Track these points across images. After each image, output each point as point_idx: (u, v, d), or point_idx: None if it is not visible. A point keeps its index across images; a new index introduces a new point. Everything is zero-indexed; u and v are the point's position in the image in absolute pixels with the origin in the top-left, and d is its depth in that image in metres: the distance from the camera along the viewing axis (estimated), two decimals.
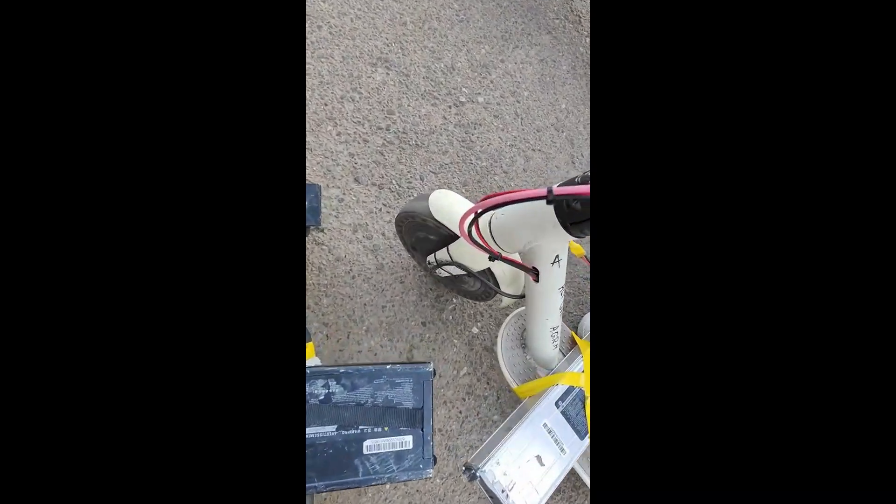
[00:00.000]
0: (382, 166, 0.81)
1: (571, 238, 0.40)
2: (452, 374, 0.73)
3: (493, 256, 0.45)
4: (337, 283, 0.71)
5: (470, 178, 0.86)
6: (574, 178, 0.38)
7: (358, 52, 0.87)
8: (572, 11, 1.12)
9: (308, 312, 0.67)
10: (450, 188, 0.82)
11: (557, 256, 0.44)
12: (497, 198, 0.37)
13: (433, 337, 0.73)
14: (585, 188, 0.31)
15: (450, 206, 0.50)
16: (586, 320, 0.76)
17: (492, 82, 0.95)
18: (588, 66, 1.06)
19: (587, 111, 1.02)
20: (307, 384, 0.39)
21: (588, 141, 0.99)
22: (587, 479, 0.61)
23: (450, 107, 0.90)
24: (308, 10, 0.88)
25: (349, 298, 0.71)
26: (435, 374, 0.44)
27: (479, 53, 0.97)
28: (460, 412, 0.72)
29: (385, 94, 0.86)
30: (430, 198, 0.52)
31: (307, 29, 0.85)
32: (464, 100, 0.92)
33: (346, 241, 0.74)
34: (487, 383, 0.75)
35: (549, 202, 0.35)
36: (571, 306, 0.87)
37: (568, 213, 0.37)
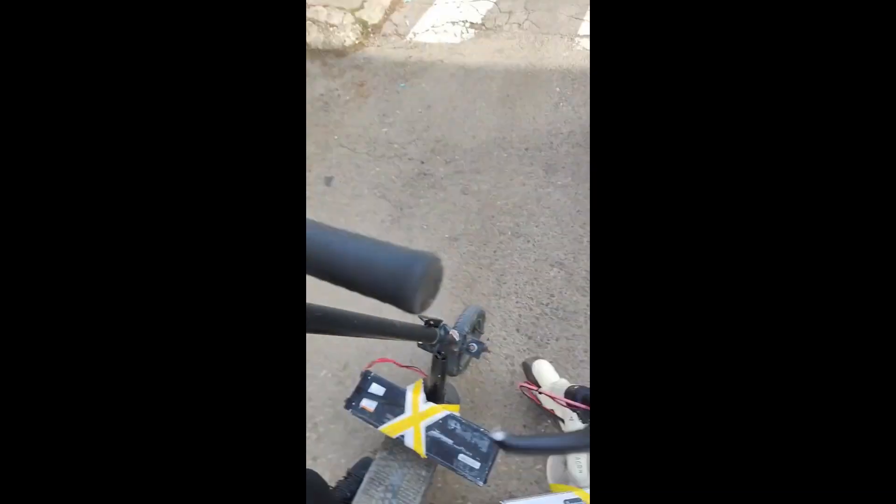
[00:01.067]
0: (535, 326, 1.36)
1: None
2: (529, 464, 1.13)
3: (544, 407, 0.91)
4: (485, 380, 1.27)
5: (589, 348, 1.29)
6: (579, 389, 0.82)
7: (544, 256, 1.49)
8: None
9: (470, 392, 1.25)
10: (571, 354, 1.27)
11: (572, 418, 0.86)
12: (527, 385, 0.86)
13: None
14: (552, 394, 0.77)
15: (541, 373, 1.00)
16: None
17: None
18: None
19: None
20: (454, 422, 0.96)
21: None
22: None
23: None
24: (522, 230, 1.58)
25: (489, 392, 1.25)
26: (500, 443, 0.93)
27: None
28: (525, 484, 1.10)
29: (553, 284, 1.43)
30: (535, 363, 1.03)
31: (524, 242, 1.54)
32: None
33: (499, 362, 1.30)
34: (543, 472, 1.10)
35: (541, 393, 0.82)
36: None
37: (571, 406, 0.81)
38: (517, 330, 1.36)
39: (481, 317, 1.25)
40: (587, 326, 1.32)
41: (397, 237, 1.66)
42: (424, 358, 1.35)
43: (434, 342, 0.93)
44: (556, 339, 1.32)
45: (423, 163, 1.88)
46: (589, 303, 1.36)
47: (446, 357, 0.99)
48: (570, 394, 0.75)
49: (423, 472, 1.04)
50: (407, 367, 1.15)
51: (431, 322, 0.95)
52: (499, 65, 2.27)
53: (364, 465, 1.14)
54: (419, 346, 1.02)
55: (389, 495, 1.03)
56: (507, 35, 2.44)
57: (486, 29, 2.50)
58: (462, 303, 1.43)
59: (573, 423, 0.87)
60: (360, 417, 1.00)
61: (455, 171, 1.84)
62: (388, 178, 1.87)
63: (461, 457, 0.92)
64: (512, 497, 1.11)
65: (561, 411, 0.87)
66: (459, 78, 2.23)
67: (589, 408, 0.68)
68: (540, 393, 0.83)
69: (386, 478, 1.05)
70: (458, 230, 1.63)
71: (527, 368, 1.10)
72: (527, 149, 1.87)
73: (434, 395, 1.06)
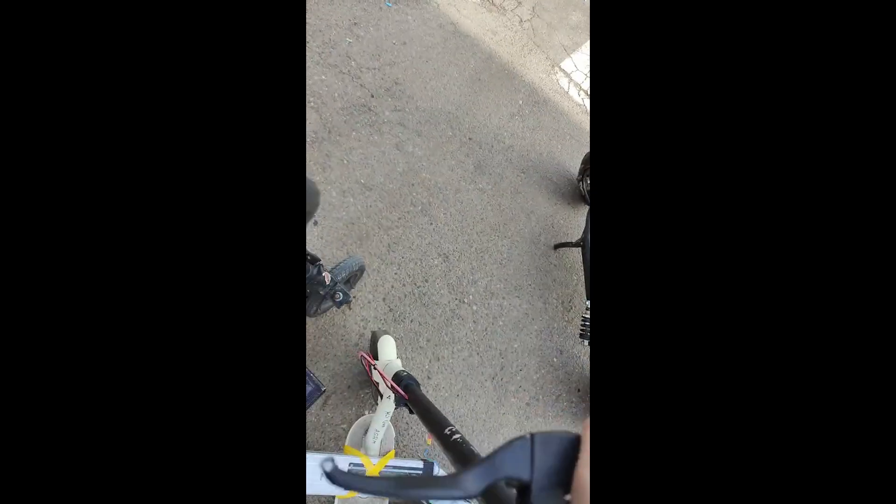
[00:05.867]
0: (400, 302, 1.45)
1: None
2: (336, 421, 1.24)
3: (367, 369, 1.02)
4: (334, 332, 1.33)
5: (432, 340, 1.44)
6: (406, 375, 0.93)
7: (437, 244, 1.59)
8: (570, 302, 1.70)
9: (316, 337, 1.29)
10: (415, 338, 1.40)
11: (389, 396, 0.98)
12: (369, 359, 0.96)
13: (345, 397, 1.27)
14: (385, 376, 0.88)
15: (383, 348, 1.09)
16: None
17: (488, 304, 1.56)
18: (550, 337, 1.60)
19: (528, 360, 1.53)
20: None
21: (512, 378, 1.49)
22: None
23: (455, 299, 1.53)
24: (431, 212, 1.64)
25: (333, 345, 1.31)
26: (323, 391, 1.00)
27: (495, 286, 1.60)
28: (326, 438, 1.22)
29: (432, 272, 1.54)
30: (382, 337, 1.12)
31: (427, 222, 1.60)
32: (466, 302, 1.54)
33: (354, 321, 1.37)
34: (347, 440, 1.24)
35: (374, 368, 0.92)
36: (421, 444, 1.32)
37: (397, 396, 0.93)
38: (383, 299, 1.44)
39: (360, 271, 1.27)
40: (439, 319, 1.47)
41: (311, 158, 1.55)
42: None
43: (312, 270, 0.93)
44: (411, 321, 1.44)
45: (372, 97, 1.76)
46: (449, 302, 1.51)
47: (308, 295, 1.00)
48: (397, 377, 0.86)
49: None
50: None
51: (315, 258, 0.94)
52: (486, 45, 2.22)
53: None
54: None
55: None
56: (507, 23, 2.39)
57: (493, 4, 2.40)
58: (347, 253, 1.43)
59: (389, 401, 0.99)
60: None
61: (399, 123, 1.78)
62: (331, 92, 1.70)
63: None
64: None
65: (383, 388, 0.98)
66: (446, 33, 2.12)
67: (406, 396, 0.79)
68: (374, 367, 0.92)
69: None
70: (376, 181, 1.61)
71: (374, 338, 1.19)
72: (470, 139, 1.91)
73: None
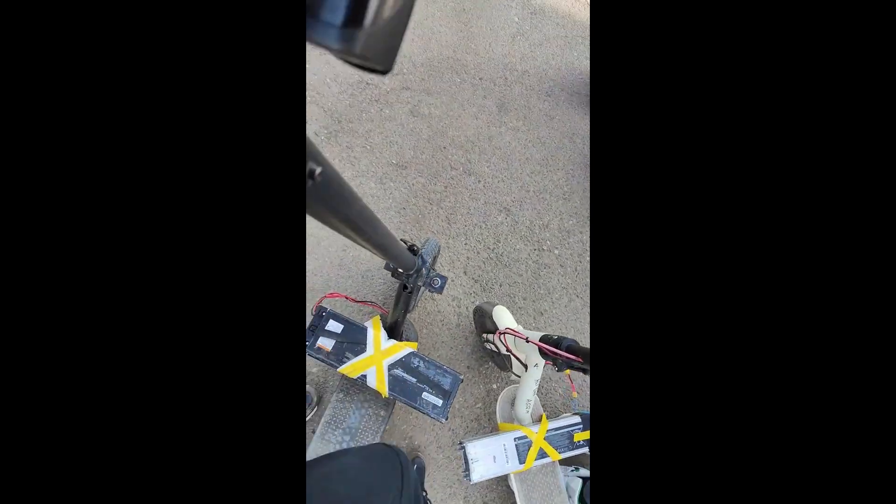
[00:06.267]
0: (481, 270, 1.37)
1: (542, 359, 0.88)
2: (471, 401, 1.21)
3: (507, 349, 0.95)
4: (432, 321, 1.26)
5: (528, 297, 1.37)
6: (560, 339, 0.86)
7: (494, 202, 1.47)
8: None
9: (418, 331, 1.22)
10: (511, 300, 1.33)
11: (536, 364, 0.92)
12: (518, 335, 0.88)
13: (470, 377, 1.23)
14: (545, 346, 0.80)
15: (501, 318, 1.02)
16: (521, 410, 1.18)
17: (568, 244, 1.47)
18: None
19: None
20: (417, 359, 0.93)
21: None
22: (514, 487, 1.02)
23: (535, 249, 1.43)
24: (474, 168, 1.52)
25: (437, 333, 1.25)
26: (462, 380, 0.94)
27: (568, 223, 1.50)
28: (467, 421, 1.19)
29: (500, 229, 1.44)
30: (495, 309, 1.04)
31: (473, 183, 1.48)
32: (545, 248, 1.44)
33: (446, 303, 1.29)
34: (487, 417, 1.20)
35: (527, 341, 0.84)
36: (556, 400, 1.28)
37: (543, 353, 0.85)
38: (464, 272, 1.35)
39: (438, 251, 1.19)
40: (527, 274, 1.39)
41: (333, 154, 1.41)
42: (376, 293, 1.25)
43: (412, 271, 0.84)
44: (500, 285, 1.36)
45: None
46: (529, 255, 1.42)
47: (412, 291, 0.93)
48: (554, 343, 0.78)
49: (382, 412, 1.01)
50: (362, 302, 1.05)
51: (414, 247, 0.85)
52: None
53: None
54: (392, 274, 0.92)
55: (347, 437, 0.98)
56: None
57: None
58: (410, 238, 1.33)
59: (537, 369, 0.93)
60: (317, 358, 0.89)
61: (403, 87, 1.61)
62: (321, 79, 1.53)
63: (425, 395, 0.91)
64: (455, 438, 1.18)
65: (531, 357, 0.91)
66: None
67: (580, 359, 0.72)
68: (527, 340, 0.85)
69: (343, 419, 0.99)
70: (407, 157, 1.47)
71: (481, 313, 1.12)
72: (481, 79, 1.73)
73: (394, 331, 1.00)
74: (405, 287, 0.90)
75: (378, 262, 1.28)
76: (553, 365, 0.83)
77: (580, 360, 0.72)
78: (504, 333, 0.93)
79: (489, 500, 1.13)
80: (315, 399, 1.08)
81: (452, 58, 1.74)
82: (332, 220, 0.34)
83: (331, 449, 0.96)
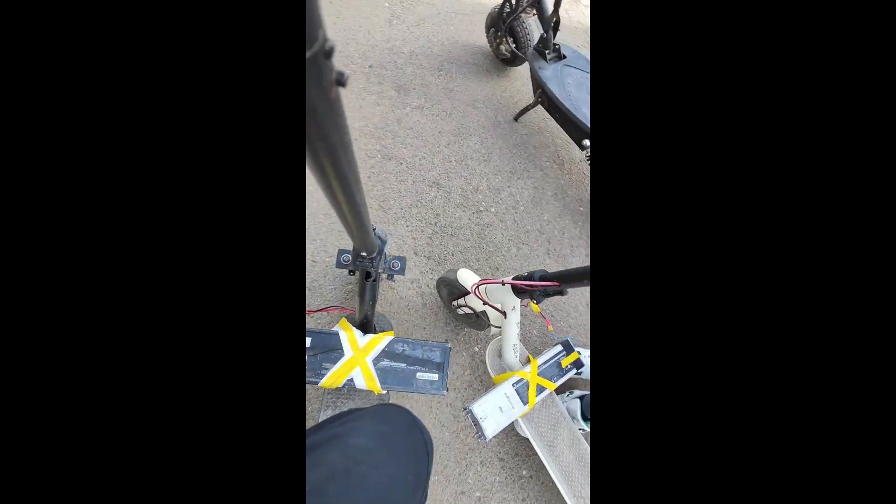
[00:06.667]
0: (430, 246, 1.37)
1: (518, 299, 0.91)
2: (459, 371, 1.21)
3: (485, 302, 0.97)
4: (398, 310, 1.24)
5: (480, 257, 1.40)
6: (531, 273, 0.89)
7: (421, 178, 1.48)
8: (558, 157, 1.72)
9: (389, 316, 1.19)
10: (467, 265, 1.36)
11: (514, 307, 0.95)
12: (493, 281, 0.90)
13: (451, 349, 1.23)
14: (520, 283, 0.83)
15: (467, 279, 1.03)
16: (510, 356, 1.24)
17: (501, 199, 1.53)
18: (565, 194, 1.63)
19: (563, 222, 1.56)
20: (401, 344, 0.90)
21: (561, 242, 1.53)
22: (523, 430, 1.05)
23: (473, 213, 1.47)
24: (394, 153, 1.50)
25: (406, 319, 1.23)
26: (450, 349, 0.94)
27: (495, 181, 1.56)
28: (461, 391, 1.19)
29: (435, 203, 1.45)
30: (458, 273, 1.06)
31: (394, 167, 1.47)
32: (482, 209, 1.49)
33: (406, 288, 1.27)
34: (479, 381, 1.22)
35: (503, 284, 0.87)
36: (534, 340, 1.35)
37: (518, 290, 0.89)
38: (415, 253, 1.34)
39: (386, 238, 1.16)
40: (473, 238, 1.42)
41: None
42: (329, 300, 1.18)
43: (375, 253, 0.81)
44: (452, 255, 1.37)
45: None
46: (469, 219, 1.46)
47: (377, 278, 0.90)
48: (526, 277, 0.82)
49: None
50: (322, 309, 0.99)
51: (374, 229, 0.82)
52: None
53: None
54: (350, 268, 0.88)
55: None
56: None
57: None
58: (345, 237, 1.28)
59: (515, 312, 0.96)
60: None
61: None
62: None
63: (419, 375, 0.89)
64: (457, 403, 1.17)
65: (507, 303, 0.94)
66: None
67: (556, 283, 0.76)
68: (503, 282, 0.87)
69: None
70: None
71: (445, 282, 1.12)
72: (371, 66, 1.71)
73: (366, 327, 0.96)
74: (368, 275, 0.87)
75: (321, 269, 1.22)
76: (531, 299, 0.86)
77: (556, 283, 0.76)
78: (479, 286, 0.94)
79: (504, 454, 1.15)
80: None
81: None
82: (332, 156, 0.31)
83: None
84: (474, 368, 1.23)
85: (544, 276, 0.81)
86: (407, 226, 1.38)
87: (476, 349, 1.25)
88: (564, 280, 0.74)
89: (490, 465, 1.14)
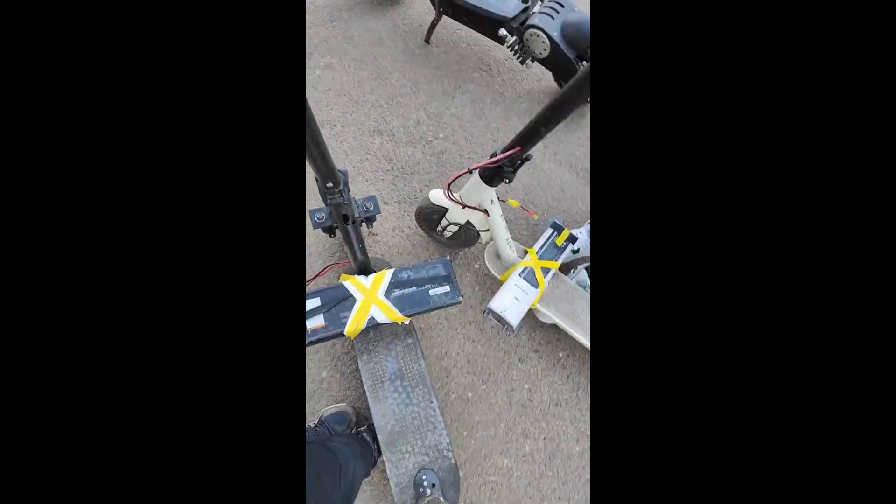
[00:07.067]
0: (395, 190, 1.35)
1: (493, 188, 0.92)
2: (469, 290, 1.24)
3: (464, 205, 0.97)
4: (391, 258, 1.24)
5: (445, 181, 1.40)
6: (491, 154, 0.90)
7: (360, 131, 1.43)
8: (483, 63, 1.69)
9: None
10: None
11: (492, 200, 0.97)
12: (461, 173, 0.91)
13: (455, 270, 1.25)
14: (484, 163, 0.84)
15: (438, 196, 1.03)
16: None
17: (445, 123, 1.51)
18: (503, 96, 1.62)
19: (511, 123, 1.56)
20: (404, 272, 0.91)
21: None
22: (545, 316, 1.11)
23: (424, 145, 1.45)
24: (322, 118, 1.44)
25: (400, 263, 1.24)
26: (448, 258, 0.96)
27: (431, 108, 1.53)
28: (476, 307, 1.24)
29: (384, 150, 1.42)
30: (429, 195, 1.05)
31: (329, 131, 1.41)
32: (431, 139, 1.47)
33: (390, 237, 1.27)
34: (491, 291, 1.26)
35: (470, 171, 0.88)
36: (526, 239, 1.39)
37: (488, 178, 0.89)
38: (384, 202, 1.33)
39: (347, 177, 1.14)
40: (433, 168, 1.41)
41: None
42: (317, 266, 1.17)
43: (341, 185, 0.78)
44: (419, 191, 1.36)
45: None
46: (423, 152, 1.44)
47: (354, 220, 0.89)
48: (492, 157, 0.82)
49: (410, 340, 0.99)
50: (318, 275, 0.99)
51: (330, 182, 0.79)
52: None
53: (341, 419, 0.99)
54: (326, 227, 0.86)
55: (398, 382, 0.95)
56: None
57: None
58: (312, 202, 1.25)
59: (495, 206, 0.98)
60: (318, 340, 0.83)
61: None
62: None
63: (432, 293, 0.91)
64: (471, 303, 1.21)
65: (488, 204, 0.95)
66: None
67: (519, 147, 0.75)
68: (458, 175, 0.88)
69: (383, 372, 0.95)
70: None
71: (422, 210, 1.12)
72: None
73: (365, 271, 0.97)
74: (346, 218, 0.86)
75: (309, 241, 1.19)
76: (505, 181, 0.87)
77: (517, 148, 0.77)
78: (448, 186, 0.94)
79: (537, 346, 1.22)
80: (353, 417, 1.02)
81: None
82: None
83: (392, 404, 0.93)
84: (481, 283, 1.26)
85: (503, 149, 0.81)
86: (366, 179, 1.35)
87: (476, 266, 1.28)
88: (522, 141, 0.75)
89: (528, 360, 1.20)
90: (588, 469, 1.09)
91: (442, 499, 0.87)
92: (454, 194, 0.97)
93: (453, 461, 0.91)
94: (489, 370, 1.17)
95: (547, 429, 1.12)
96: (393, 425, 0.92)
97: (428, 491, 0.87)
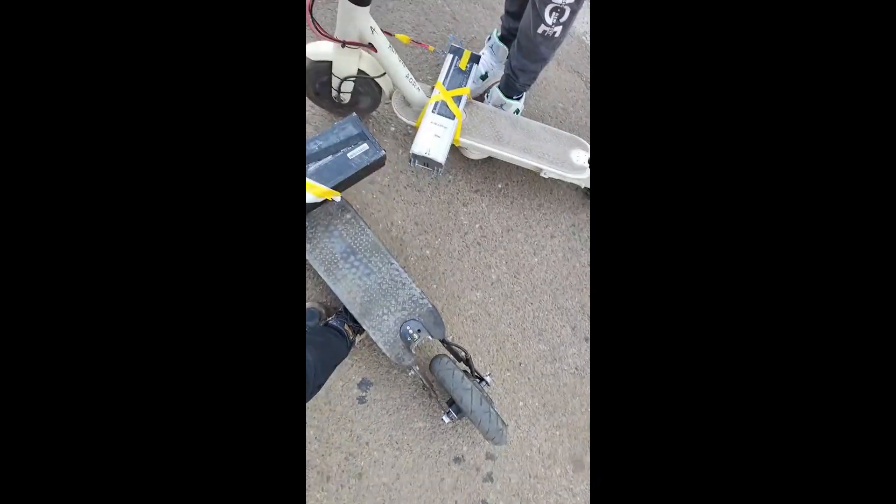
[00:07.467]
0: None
1: (364, 9, 0.78)
2: (393, 156, 1.18)
3: (344, 43, 0.84)
4: None
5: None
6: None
7: None
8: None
9: None
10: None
11: (372, 28, 0.83)
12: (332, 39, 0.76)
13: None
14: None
15: (316, 47, 0.88)
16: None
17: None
18: None
19: None
20: (313, 143, 0.82)
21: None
22: (473, 148, 1.09)
23: None
24: None
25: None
26: (355, 115, 0.87)
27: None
28: (407, 170, 1.19)
29: None
30: (307, 50, 0.90)
31: None
32: None
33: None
34: (406, 141, 1.21)
35: None
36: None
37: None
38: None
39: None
40: None
41: None
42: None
43: None
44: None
45: None
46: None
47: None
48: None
49: (348, 215, 0.95)
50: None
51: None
52: None
53: (309, 316, 0.97)
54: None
55: (352, 258, 0.93)
56: None
57: None
58: None
59: (380, 36, 0.85)
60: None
61: None
62: None
63: (350, 155, 0.84)
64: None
65: (366, 48, 0.83)
66: None
67: None
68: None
69: (334, 255, 0.92)
70: None
71: (309, 77, 0.98)
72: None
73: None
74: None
75: None
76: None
77: None
78: (310, 6, 0.80)
79: (476, 186, 1.21)
80: (321, 310, 1.00)
81: None
82: None
83: (353, 279, 0.92)
84: (403, 145, 1.19)
85: None
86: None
87: (393, 128, 1.19)
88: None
89: (472, 201, 1.21)
90: (549, 270, 1.20)
91: (430, 336, 0.93)
92: (323, 31, 0.83)
93: (430, 305, 0.95)
94: (438, 224, 1.17)
95: (506, 254, 1.19)
96: (362, 297, 0.92)
97: (416, 335, 0.92)
